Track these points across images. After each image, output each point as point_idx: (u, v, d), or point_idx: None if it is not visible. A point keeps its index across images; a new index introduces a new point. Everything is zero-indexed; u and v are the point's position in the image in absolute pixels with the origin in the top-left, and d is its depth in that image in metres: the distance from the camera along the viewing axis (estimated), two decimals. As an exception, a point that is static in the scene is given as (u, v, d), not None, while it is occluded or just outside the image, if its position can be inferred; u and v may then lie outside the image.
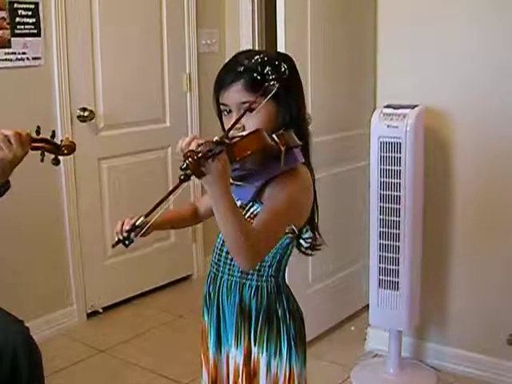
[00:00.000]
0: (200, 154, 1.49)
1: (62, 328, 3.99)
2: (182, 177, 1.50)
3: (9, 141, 2.05)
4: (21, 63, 3.62)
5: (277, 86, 1.70)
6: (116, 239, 1.81)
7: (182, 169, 1.50)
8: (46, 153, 2.16)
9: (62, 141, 2.21)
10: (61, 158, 2.20)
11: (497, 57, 3.09)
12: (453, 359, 3.40)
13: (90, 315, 4.21)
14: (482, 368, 3.31)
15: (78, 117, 3.97)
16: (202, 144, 1.53)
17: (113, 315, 4.28)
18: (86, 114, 3.99)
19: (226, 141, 1.57)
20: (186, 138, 1.58)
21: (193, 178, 1.52)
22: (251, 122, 1.73)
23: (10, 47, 3.56)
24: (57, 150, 2.19)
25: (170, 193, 1.60)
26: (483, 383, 3.29)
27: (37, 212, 3.79)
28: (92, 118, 4.03)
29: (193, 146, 1.54)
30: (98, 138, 4.14)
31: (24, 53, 3.63)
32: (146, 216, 1.74)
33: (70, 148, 2.22)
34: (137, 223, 1.78)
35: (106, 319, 4.22)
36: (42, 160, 2.15)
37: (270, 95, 1.68)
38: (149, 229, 1.78)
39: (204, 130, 4.65)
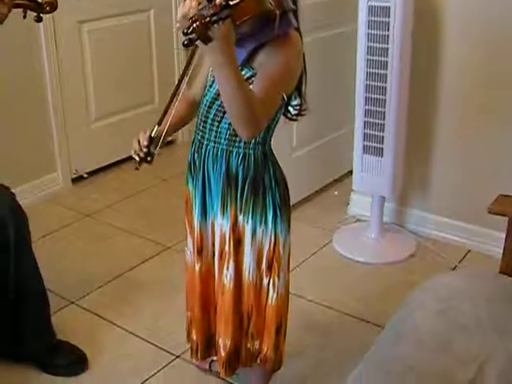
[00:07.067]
0: (208, 18, 1.41)
1: (47, 194, 4.00)
2: (186, 42, 1.43)
3: None
4: None
5: None
6: (137, 159, 1.83)
7: (185, 33, 1.42)
8: (28, 11, 2.25)
9: None
10: (43, 16, 2.30)
11: None
12: (434, 225, 3.45)
13: (74, 180, 4.22)
14: (462, 235, 3.37)
15: (55, -23, 3.81)
16: (203, 7, 1.45)
17: (97, 180, 4.29)
18: (63, -26, 3.83)
19: (231, 3, 1.48)
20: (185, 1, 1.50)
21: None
22: None
23: None
24: (39, 7, 2.27)
25: (179, 85, 1.59)
26: (463, 250, 3.36)
27: (17, 79, 3.70)
28: (69, -21, 3.87)
29: (193, 8, 1.47)
30: (77, 0, 3.99)
31: None
32: (159, 124, 1.78)
33: (52, 5, 2.29)
34: (152, 134, 1.80)
35: (90, 184, 4.23)
36: (24, 17, 2.24)
37: None
38: (165, 137, 1.80)
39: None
